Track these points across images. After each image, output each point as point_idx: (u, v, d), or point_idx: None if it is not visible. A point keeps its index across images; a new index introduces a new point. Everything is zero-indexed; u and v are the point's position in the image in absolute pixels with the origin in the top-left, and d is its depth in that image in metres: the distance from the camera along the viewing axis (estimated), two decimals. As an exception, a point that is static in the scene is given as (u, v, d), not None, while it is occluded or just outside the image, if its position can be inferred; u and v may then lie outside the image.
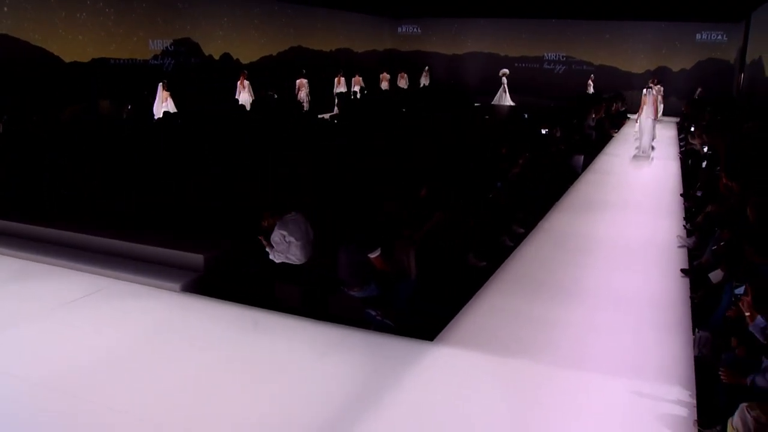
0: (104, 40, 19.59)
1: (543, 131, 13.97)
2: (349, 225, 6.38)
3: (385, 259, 6.17)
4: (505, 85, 28.98)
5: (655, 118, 18.19)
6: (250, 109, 19.24)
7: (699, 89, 27.42)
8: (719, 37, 29.39)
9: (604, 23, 30.93)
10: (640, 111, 17.71)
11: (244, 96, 21.56)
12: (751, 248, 6.01)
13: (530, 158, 10.66)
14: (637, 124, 17.92)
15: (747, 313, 4.80)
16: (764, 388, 4.31)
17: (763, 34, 22.30)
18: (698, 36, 29.74)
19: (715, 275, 6.93)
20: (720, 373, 4.70)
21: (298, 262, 6.65)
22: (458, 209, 7.75)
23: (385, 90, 28.27)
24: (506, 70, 29.13)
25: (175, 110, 17.49)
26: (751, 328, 4.76)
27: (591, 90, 29.04)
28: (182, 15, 22.32)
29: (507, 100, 28.87)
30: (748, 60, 24.66)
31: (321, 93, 25.15)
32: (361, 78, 27.69)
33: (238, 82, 21.90)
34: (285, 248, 6.65)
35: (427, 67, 32.48)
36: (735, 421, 4.05)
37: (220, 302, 6.82)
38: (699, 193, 10.79)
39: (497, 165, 10.03)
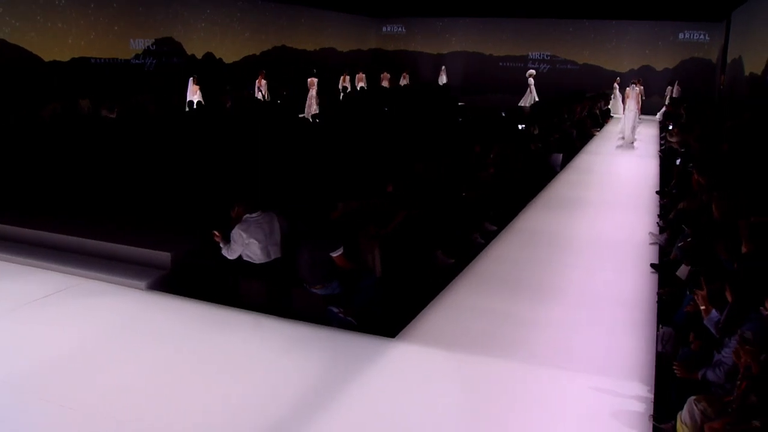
0: (84, 39, 19.46)
1: (520, 126, 13.98)
2: (310, 223, 6.34)
3: (347, 257, 6.16)
4: (532, 86, 28.56)
5: (638, 113, 20.20)
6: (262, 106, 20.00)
7: (674, 87, 27.56)
8: (701, 36, 29.55)
9: (588, 22, 31.04)
10: (623, 105, 20.28)
11: (260, 94, 22.45)
12: (717, 244, 6.02)
13: (502, 153, 10.64)
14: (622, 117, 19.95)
15: (702, 307, 4.82)
16: (715, 381, 4.32)
17: (743, 33, 22.44)
18: (681, 35, 29.90)
19: (683, 271, 6.96)
20: (674, 368, 4.72)
21: (257, 261, 6.60)
22: (426, 206, 7.73)
23: (362, 89, 28.18)
24: (533, 71, 28.93)
25: (203, 102, 19.34)
26: (705, 322, 4.78)
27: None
28: (164, 14, 22.19)
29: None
30: (729, 59, 24.79)
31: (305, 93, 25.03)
32: (348, 77, 27.87)
33: (257, 81, 22.68)
34: (241, 246, 6.59)
35: (405, 72, 32.19)
36: (683, 415, 4.06)
37: (185, 300, 6.80)
38: (674, 191, 10.84)
39: (471, 162, 10.01)
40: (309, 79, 24.85)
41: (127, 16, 20.82)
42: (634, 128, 19.71)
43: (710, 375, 4.36)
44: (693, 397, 4.05)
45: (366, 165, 9.25)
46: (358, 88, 27.35)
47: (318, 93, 23.98)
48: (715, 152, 11.07)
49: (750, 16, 21.42)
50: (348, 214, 6.61)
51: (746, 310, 4.26)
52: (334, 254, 6.04)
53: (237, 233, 6.54)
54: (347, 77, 27.51)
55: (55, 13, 18.45)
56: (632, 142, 19.41)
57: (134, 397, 4.94)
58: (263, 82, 22.76)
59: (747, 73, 20.37)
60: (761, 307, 4.04)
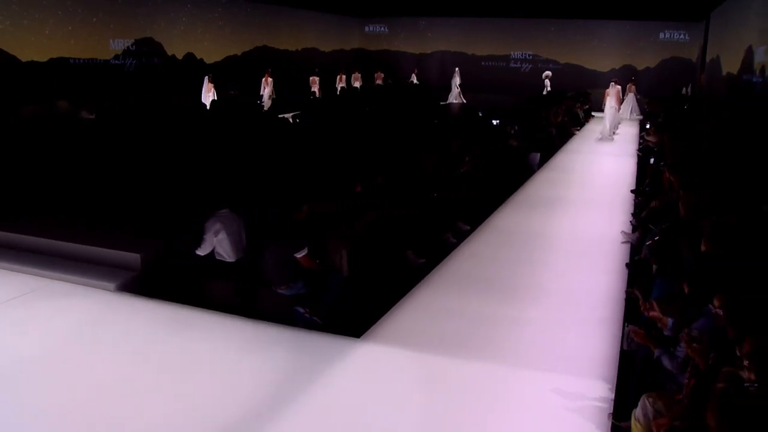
0: (63, 40, 19.31)
1: (494, 122, 14.00)
2: (274, 224, 6.35)
3: (313, 258, 6.17)
4: (548, 87, 28.73)
5: (617, 109, 22.03)
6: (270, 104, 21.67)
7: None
8: (681, 36, 29.71)
9: (570, 22, 31.12)
10: (604, 101, 22.03)
11: (267, 92, 23.28)
12: (681, 243, 6.07)
13: (477, 152, 10.66)
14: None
15: (658, 316, 4.86)
16: (669, 370, 4.36)
17: (721, 33, 22.61)
18: (661, 35, 30.04)
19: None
20: (631, 332, 4.77)
21: (228, 259, 6.61)
22: (396, 206, 7.74)
23: (341, 90, 28.37)
24: (549, 72, 29.05)
25: (217, 100, 20.33)
26: (666, 332, 4.81)
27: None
28: (144, 14, 22.03)
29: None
30: (708, 59, 24.96)
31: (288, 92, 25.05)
32: (345, 76, 28.82)
33: (263, 80, 23.40)
34: (211, 241, 6.60)
35: (379, 72, 32.24)
36: (637, 412, 4.10)
37: (153, 301, 6.78)
38: (647, 189, 10.90)
39: (444, 162, 10.03)
40: (311, 78, 26.22)
41: (107, 16, 20.64)
42: (613, 124, 21.15)
43: (665, 361, 4.40)
44: (646, 394, 4.09)
45: (336, 165, 9.25)
46: (356, 87, 27.70)
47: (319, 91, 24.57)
48: (690, 151, 11.13)
49: (727, 16, 21.59)
50: (315, 215, 6.61)
51: (699, 307, 4.30)
52: (299, 255, 6.06)
53: (208, 225, 6.59)
54: (343, 76, 28.32)
55: (32, 13, 18.29)
56: (612, 135, 20.79)
57: (97, 398, 4.93)
58: (269, 80, 23.34)
59: (724, 73, 20.52)
60: (710, 305, 4.08)
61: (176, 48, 23.47)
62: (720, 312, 3.86)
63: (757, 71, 15.61)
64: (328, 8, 31.14)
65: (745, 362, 3.15)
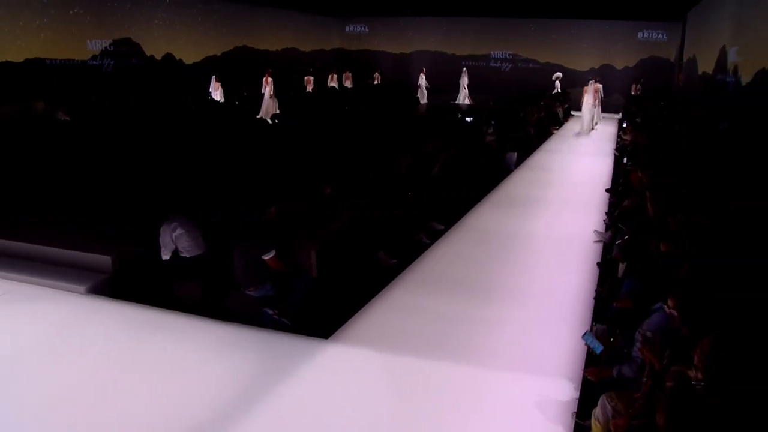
0: (39, 40, 19.15)
1: (468, 119, 14.01)
2: (242, 225, 6.35)
3: (280, 260, 6.17)
4: (558, 89, 28.48)
5: (595, 105, 22.79)
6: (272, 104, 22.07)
7: (637, 85, 27.95)
8: (659, 35, 29.92)
9: (549, 22, 31.24)
10: (581, 99, 22.85)
11: (267, 91, 22.95)
12: (650, 242, 6.11)
13: (454, 153, 10.69)
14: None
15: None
16: (630, 377, 4.39)
17: (697, 33, 22.80)
18: (640, 35, 30.23)
19: (622, 269, 7.06)
20: (585, 374, 4.80)
21: (187, 254, 6.61)
22: (366, 207, 7.74)
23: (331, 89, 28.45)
24: (559, 74, 28.96)
25: (223, 99, 21.42)
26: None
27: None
28: (121, 14, 21.88)
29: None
30: (685, 58, 25.16)
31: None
32: (336, 75, 29.17)
33: (263, 79, 23.09)
34: (169, 242, 6.60)
35: (348, 72, 32.05)
36: (597, 412, 4.13)
37: (124, 304, 6.76)
38: (620, 188, 10.97)
39: (418, 162, 10.05)
40: (306, 78, 26.64)
41: (84, 16, 20.49)
42: (592, 120, 22.52)
43: (626, 370, 4.43)
44: (605, 394, 4.12)
45: (308, 166, 9.24)
46: (348, 86, 27.86)
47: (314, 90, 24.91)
48: (662, 150, 11.21)
49: (703, 16, 21.78)
50: (284, 216, 6.60)
51: (649, 307, 4.35)
52: (266, 257, 6.05)
53: (164, 228, 6.58)
54: (335, 76, 28.72)
55: (7, 13, 18.14)
56: (590, 131, 22.11)
57: (66, 401, 4.94)
58: (270, 80, 23.16)
59: (700, 72, 20.69)
60: (664, 305, 4.12)
61: (155, 48, 23.33)
62: (674, 312, 3.90)
63: (730, 71, 15.76)
64: (308, 8, 31.08)
65: (696, 361, 3.19)
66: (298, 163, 9.66)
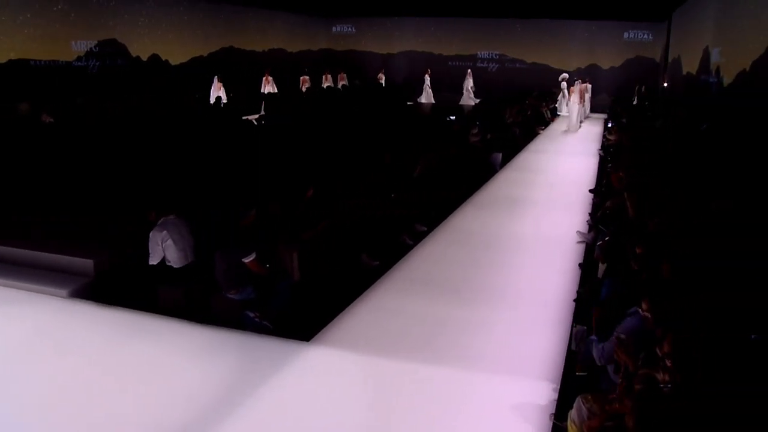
0: (23, 41, 19.05)
1: (450, 118, 14.02)
2: (223, 229, 6.36)
3: (261, 263, 6.18)
4: (565, 90, 28.06)
5: (581, 104, 23.62)
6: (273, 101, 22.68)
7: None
8: (645, 36, 30.13)
9: (536, 22, 31.37)
10: (568, 98, 24.16)
11: (269, 89, 24.73)
12: (629, 244, 6.14)
13: (436, 154, 10.71)
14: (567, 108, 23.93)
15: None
16: (595, 357, 4.48)
17: (682, 34, 22.93)
18: (626, 35, 30.44)
19: (602, 270, 7.11)
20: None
21: (177, 265, 6.61)
22: (349, 210, 7.76)
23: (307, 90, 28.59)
24: (566, 74, 28.80)
25: (225, 99, 21.75)
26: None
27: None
28: (107, 15, 21.80)
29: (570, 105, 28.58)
30: (670, 58, 25.31)
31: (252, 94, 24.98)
32: (330, 75, 29.77)
33: (263, 78, 25.03)
34: (158, 249, 6.60)
35: (326, 73, 32.04)
36: (572, 413, 4.16)
37: (106, 307, 6.73)
38: (603, 189, 11.02)
39: (401, 164, 10.07)
40: (301, 77, 27.41)
41: (68, 17, 20.41)
42: (578, 119, 23.39)
43: (595, 351, 4.51)
44: (581, 395, 4.16)
45: (290, 169, 9.24)
46: (340, 87, 27.99)
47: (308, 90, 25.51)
48: (644, 151, 11.29)
49: (687, 17, 21.91)
50: (264, 219, 6.61)
51: (621, 309, 4.40)
52: (246, 260, 6.06)
53: (154, 234, 6.55)
54: (329, 76, 29.36)
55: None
56: (577, 129, 22.97)
57: (48, 405, 4.94)
58: (270, 78, 24.84)
59: (684, 72, 20.82)
60: (638, 309, 4.16)
61: (141, 49, 23.26)
62: (648, 315, 3.95)
63: (713, 71, 15.87)
64: (295, 8, 31.07)
65: (667, 362, 3.23)
66: (281, 164, 9.65)
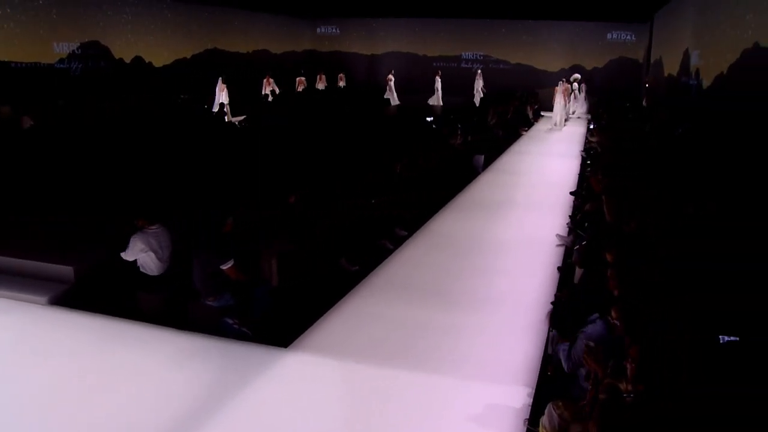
0: (4, 42, 18.94)
1: (429, 119, 14.06)
2: (200, 236, 6.37)
3: (239, 269, 6.20)
4: (576, 91, 28.23)
5: (565, 104, 25.14)
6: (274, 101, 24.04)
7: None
8: (628, 36, 30.31)
9: (520, 23, 31.51)
10: (554, 98, 24.85)
11: (269, 90, 25.37)
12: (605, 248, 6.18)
13: (417, 157, 10.73)
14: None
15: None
16: (561, 361, 4.55)
17: (664, 35, 23.09)
18: (609, 36, 30.60)
19: (579, 274, 7.15)
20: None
21: (152, 273, 6.63)
22: (329, 216, 7.78)
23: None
24: (578, 75, 28.88)
25: (228, 101, 21.97)
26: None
27: None
28: (89, 17, 21.69)
29: (580, 107, 28.81)
30: (652, 59, 25.48)
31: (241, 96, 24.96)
32: (324, 76, 30.12)
33: (264, 80, 25.80)
34: (139, 252, 6.62)
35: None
36: (544, 420, 4.21)
37: (86, 314, 6.73)
38: (583, 192, 11.07)
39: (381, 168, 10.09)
40: (297, 78, 27.90)
41: (50, 19, 20.29)
42: (562, 116, 24.64)
43: (561, 352, 4.57)
44: (552, 402, 4.21)
45: (271, 174, 9.25)
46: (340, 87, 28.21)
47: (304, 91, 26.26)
48: (625, 153, 11.37)
49: (668, 19, 22.06)
50: (242, 226, 6.63)
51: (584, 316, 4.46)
52: (224, 267, 6.08)
53: (135, 240, 6.57)
54: (323, 76, 29.90)
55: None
56: (562, 126, 24.18)
57: (28, 413, 4.96)
58: (271, 80, 25.40)
59: (666, 74, 20.96)
60: (608, 317, 4.21)
61: (124, 51, 23.14)
62: (617, 323, 4.00)
63: (693, 74, 15.99)
64: (279, 10, 31.04)
65: (629, 370, 3.28)
66: (262, 169, 9.66)
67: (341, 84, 30.49)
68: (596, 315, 4.45)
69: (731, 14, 12.67)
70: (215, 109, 21.72)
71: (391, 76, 29.99)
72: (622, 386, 3.26)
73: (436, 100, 29.47)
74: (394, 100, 29.42)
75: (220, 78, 22.98)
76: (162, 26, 25.04)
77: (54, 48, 20.51)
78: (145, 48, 24.14)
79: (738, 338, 3.73)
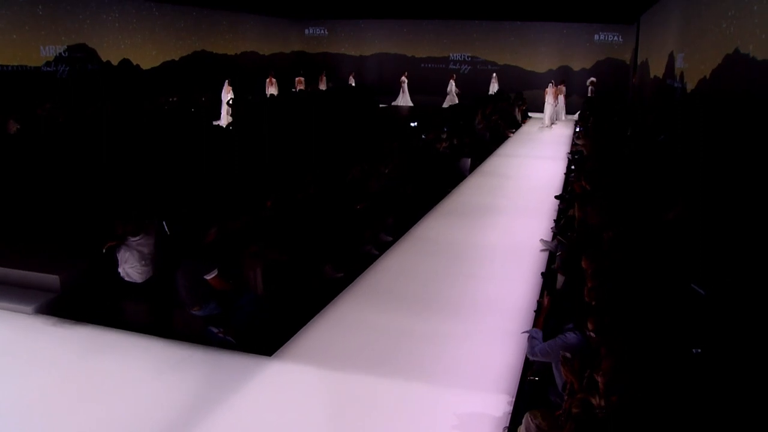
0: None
1: (412, 124, 14.10)
2: (183, 245, 6.41)
3: (224, 278, 6.24)
4: (590, 94, 28.17)
5: (555, 105, 25.96)
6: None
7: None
8: (615, 38, 30.47)
9: (508, 24, 31.62)
10: (545, 98, 25.75)
11: (272, 90, 26.08)
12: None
13: (400, 161, 10.76)
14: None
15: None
16: (537, 360, 4.72)
17: (649, 37, 23.21)
18: (596, 37, 30.75)
19: (561, 281, 7.21)
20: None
21: (135, 282, 6.68)
22: (310, 221, 7.81)
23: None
24: (593, 78, 28.94)
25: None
26: None
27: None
28: (77, 19, 21.64)
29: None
30: (639, 61, 25.62)
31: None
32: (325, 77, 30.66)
33: (267, 80, 26.36)
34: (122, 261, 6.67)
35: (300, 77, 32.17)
36: (521, 429, 4.28)
37: (72, 323, 6.75)
38: (567, 196, 11.12)
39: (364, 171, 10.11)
40: (296, 78, 28.50)
41: (36, 21, 20.23)
42: (552, 116, 25.67)
43: (529, 349, 4.68)
44: (529, 411, 4.28)
45: (251, 179, 9.27)
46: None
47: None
48: (608, 158, 11.42)
49: (654, 21, 22.18)
50: (225, 234, 6.65)
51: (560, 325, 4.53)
52: (208, 276, 6.12)
53: (121, 254, 6.62)
54: (324, 78, 30.29)
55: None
56: (551, 125, 25.28)
57: (10, 422, 4.99)
58: (273, 80, 25.94)
59: (652, 76, 21.07)
60: (586, 330, 4.28)
61: (111, 54, 23.12)
62: (592, 334, 4.07)
63: (678, 77, 16.09)
64: (267, 11, 31.03)
65: (600, 382, 3.34)
66: (243, 175, 9.67)
67: (321, 86, 30.50)
68: (571, 325, 4.52)
69: (715, 19, 12.76)
70: (223, 110, 21.85)
71: (404, 78, 30.07)
72: (595, 401, 3.33)
73: (450, 101, 29.58)
74: (407, 101, 29.50)
75: (227, 80, 23.31)
76: (149, 28, 25.01)
77: (41, 51, 20.45)
78: (133, 50, 24.12)
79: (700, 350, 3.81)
